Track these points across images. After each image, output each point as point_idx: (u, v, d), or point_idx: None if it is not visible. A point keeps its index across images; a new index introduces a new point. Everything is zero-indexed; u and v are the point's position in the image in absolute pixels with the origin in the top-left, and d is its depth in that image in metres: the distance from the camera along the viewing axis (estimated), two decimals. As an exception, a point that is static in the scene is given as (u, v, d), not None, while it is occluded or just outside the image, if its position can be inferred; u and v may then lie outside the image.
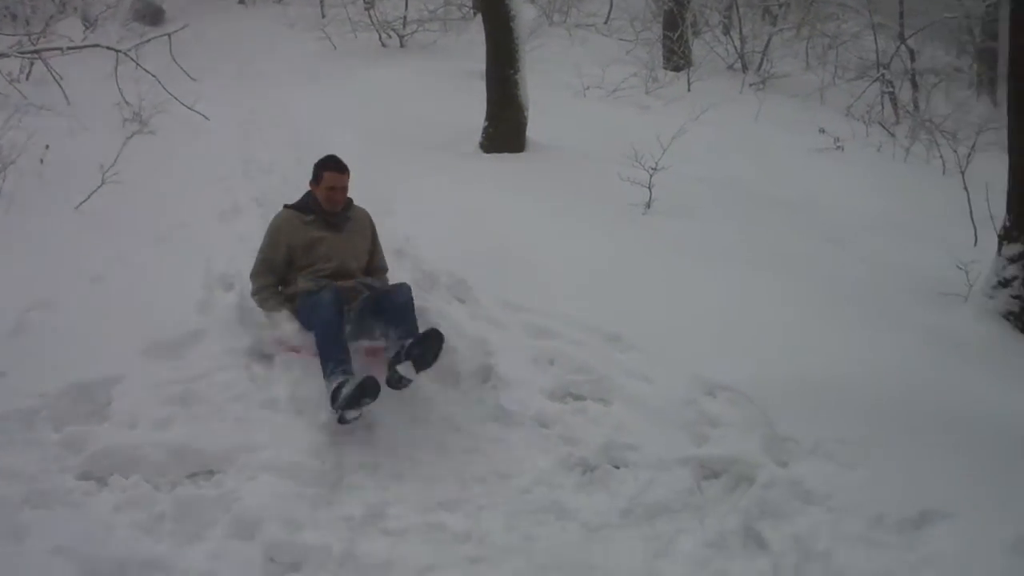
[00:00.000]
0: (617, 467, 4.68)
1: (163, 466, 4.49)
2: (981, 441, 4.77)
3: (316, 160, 6.07)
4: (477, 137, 10.43)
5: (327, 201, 5.98)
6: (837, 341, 5.72)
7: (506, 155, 10.12)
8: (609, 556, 4.20)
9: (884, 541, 4.14)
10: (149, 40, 9.77)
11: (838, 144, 11.98)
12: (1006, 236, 6.54)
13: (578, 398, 5.20)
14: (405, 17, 17.35)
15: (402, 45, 17.02)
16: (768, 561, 4.16)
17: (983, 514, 4.22)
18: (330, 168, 6.00)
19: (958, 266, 6.79)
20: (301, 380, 5.27)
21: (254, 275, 5.96)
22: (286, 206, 6.14)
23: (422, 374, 5.18)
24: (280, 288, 5.94)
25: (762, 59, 15.88)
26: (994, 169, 7.02)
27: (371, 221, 6.26)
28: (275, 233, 5.97)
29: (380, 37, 17.15)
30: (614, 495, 4.53)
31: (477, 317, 6.07)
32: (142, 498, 4.29)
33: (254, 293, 5.93)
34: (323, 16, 19.07)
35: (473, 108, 10.51)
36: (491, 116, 10.45)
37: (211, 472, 4.52)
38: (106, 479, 4.39)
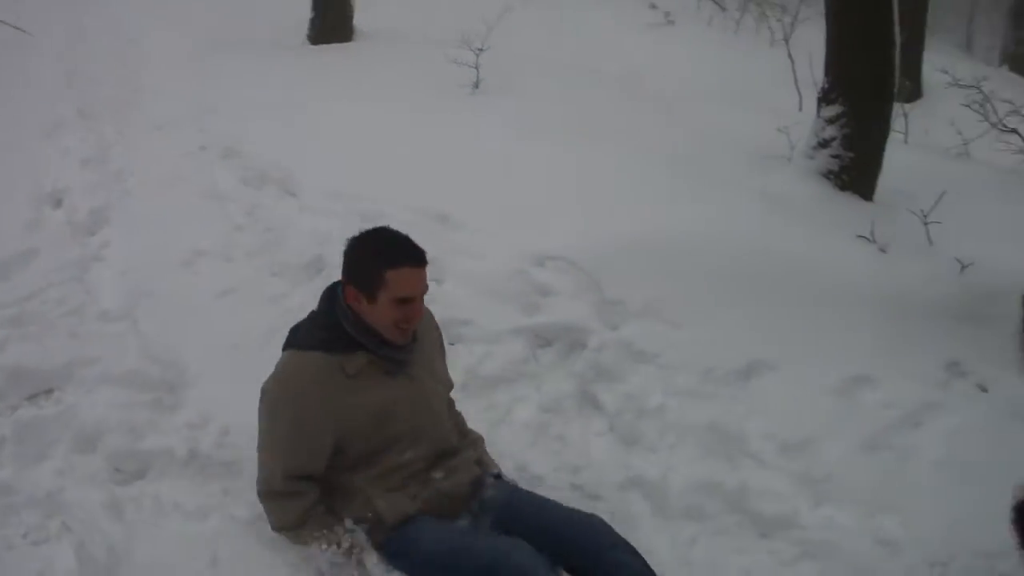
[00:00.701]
0: (452, 344, 4.66)
1: (1, 391, 4.38)
2: (803, 293, 4.96)
3: (353, 239, 3.47)
4: (304, 30, 10.29)
5: (397, 328, 3.35)
6: (664, 206, 5.80)
7: (334, 45, 10.08)
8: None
9: (714, 393, 4.30)
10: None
11: (669, 19, 12.08)
12: (824, 98, 6.71)
13: None
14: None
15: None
16: (604, 421, 4.30)
17: (808, 362, 4.42)
18: (403, 261, 3.32)
19: (779, 129, 6.98)
20: (137, 283, 5.22)
21: (270, 496, 3.44)
22: (297, 347, 3.43)
23: None
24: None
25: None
26: (818, 37, 7.20)
27: (435, 320, 3.85)
28: (300, 413, 3.30)
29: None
30: (451, 370, 4.56)
31: (308, 209, 6.03)
32: (-19, 426, 4.19)
33: (284, 528, 3.44)
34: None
35: (299, 1, 10.36)
36: (316, 7, 10.43)
37: (50, 390, 4.42)
38: (-56, 414, 4.27)
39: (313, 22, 10.42)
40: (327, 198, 6.06)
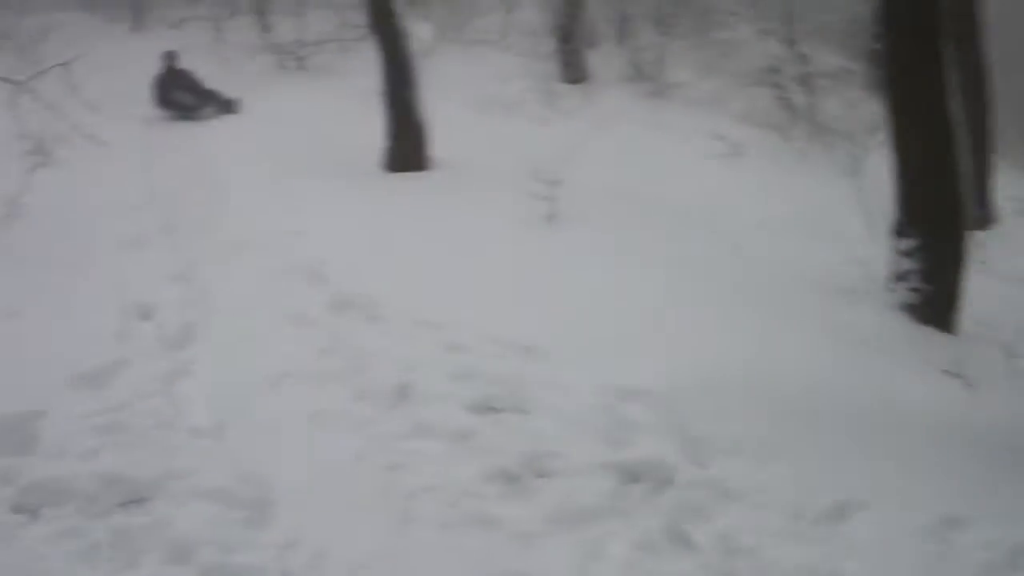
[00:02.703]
0: (539, 476, 4.67)
1: (94, 496, 4.46)
2: (889, 431, 4.98)
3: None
4: (376, 157, 10.51)
5: None
6: (743, 340, 5.86)
7: (409, 173, 10.22)
8: (540, 562, 4.18)
9: (807, 534, 4.26)
10: (44, 71, 9.78)
11: (735, 150, 12.20)
12: (898, 231, 6.79)
13: (497, 410, 5.19)
14: (302, 40, 17.40)
15: (300, 67, 17.07)
16: (696, 560, 4.19)
17: (898, 502, 4.40)
18: None
19: (854, 263, 7.02)
20: (226, 400, 5.34)
21: None
22: None
23: None
24: None
25: (657, 69, 16.05)
26: (887, 166, 7.26)
27: None
28: None
29: (278, 60, 17.21)
30: (539, 503, 4.51)
31: (392, 336, 6.08)
32: (75, 528, 4.26)
33: None
34: (219, 41, 19.07)
35: (374, 128, 10.60)
36: (391, 135, 10.57)
37: (142, 500, 4.49)
38: (38, 510, 4.37)
39: (388, 151, 10.54)
40: (410, 325, 6.14)
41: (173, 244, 8.25)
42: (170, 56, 14.76)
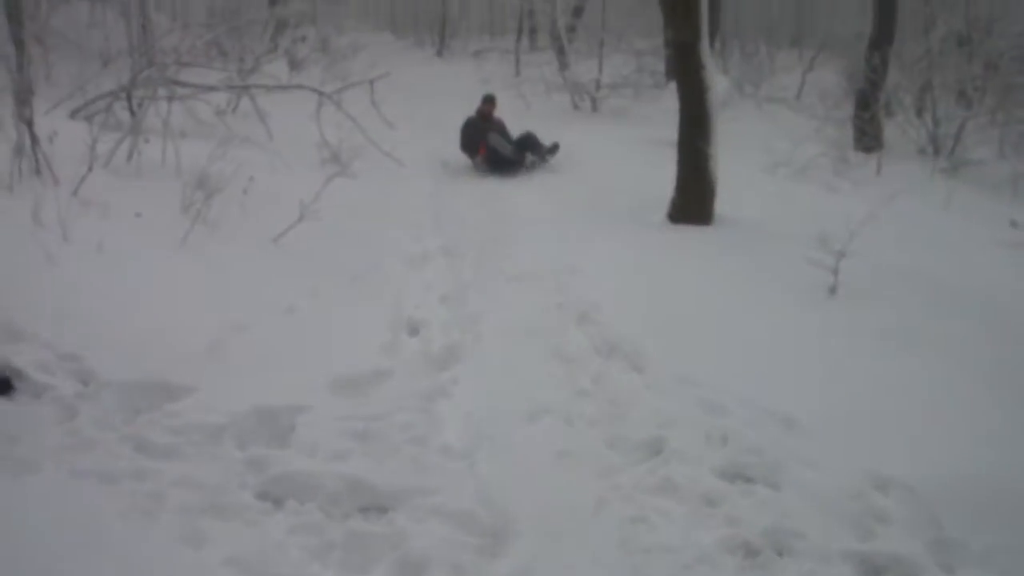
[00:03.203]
0: (780, 554, 4.51)
1: (337, 497, 4.67)
2: None
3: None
4: (665, 207, 10.45)
5: None
6: (1015, 446, 5.50)
7: (692, 227, 10.12)
8: (765, 643, 4.09)
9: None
10: (352, 85, 10.29)
11: (1029, 238, 11.55)
12: None
13: (748, 480, 5.07)
14: (598, 81, 17.70)
15: (594, 109, 17.39)
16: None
17: None
18: None
19: None
20: (481, 426, 5.46)
21: None
22: None
23: None
24: None
25: (955, 144, 15.43)
26: None
27: None
28: None
29: (573, 99, 17.55)
30: None
31: (653, 388, 6.06)
32: (314, 525, 4.46)
33: None
34: (517, 74, 19.77)
35: (662, 177, 10.57)
36: (681, 187, 10.45)
37: (383, 509, 4.65)
38: (282, 501, 4.61)
39: (675, 201, 10.43)
40: (673, 381, 6.10)
41: (451, 267, 8.55)
42: (488, 100, 13.90)
